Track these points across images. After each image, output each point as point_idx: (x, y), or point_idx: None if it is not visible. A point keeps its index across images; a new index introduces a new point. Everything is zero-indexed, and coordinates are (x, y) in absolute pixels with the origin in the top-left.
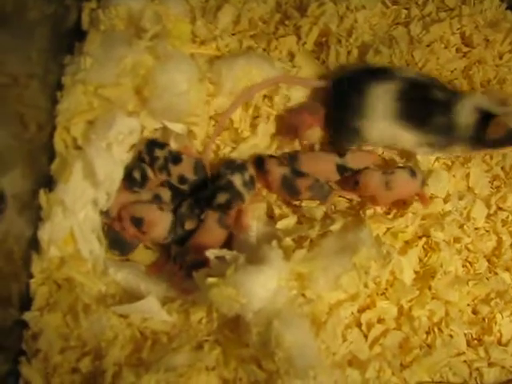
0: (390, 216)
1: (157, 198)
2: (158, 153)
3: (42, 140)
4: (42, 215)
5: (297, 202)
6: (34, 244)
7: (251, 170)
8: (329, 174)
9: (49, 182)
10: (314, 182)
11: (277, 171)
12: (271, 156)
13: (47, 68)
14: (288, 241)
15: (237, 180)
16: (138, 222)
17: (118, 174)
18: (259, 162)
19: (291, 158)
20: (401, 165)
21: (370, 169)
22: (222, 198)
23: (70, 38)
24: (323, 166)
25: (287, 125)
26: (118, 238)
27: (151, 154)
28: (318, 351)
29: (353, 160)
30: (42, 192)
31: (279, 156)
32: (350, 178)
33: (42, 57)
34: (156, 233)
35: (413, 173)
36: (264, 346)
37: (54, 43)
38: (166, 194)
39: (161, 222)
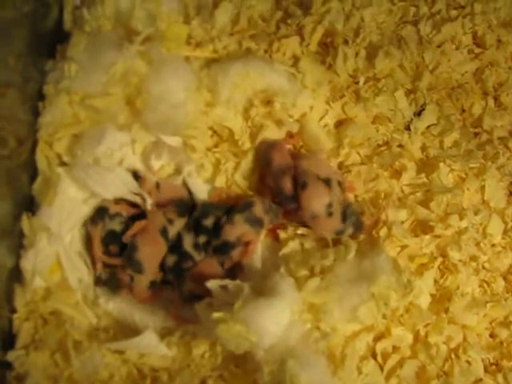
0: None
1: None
2: None
3: (21, 157)
4: (25, 242)
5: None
6: (17, 275)
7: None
8: None
9: (30, 204)
10: (265, 205)
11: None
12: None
13: (26, 75)
14: (299, 270)
15: (186, 239)
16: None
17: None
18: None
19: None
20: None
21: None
22: (170, 259)
23: (50, 40)
24: None
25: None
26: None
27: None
28: None
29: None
30: (24, 217)
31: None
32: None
33: (20, 62)
34: None
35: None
36: None
37: (33, 46)
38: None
39: None
